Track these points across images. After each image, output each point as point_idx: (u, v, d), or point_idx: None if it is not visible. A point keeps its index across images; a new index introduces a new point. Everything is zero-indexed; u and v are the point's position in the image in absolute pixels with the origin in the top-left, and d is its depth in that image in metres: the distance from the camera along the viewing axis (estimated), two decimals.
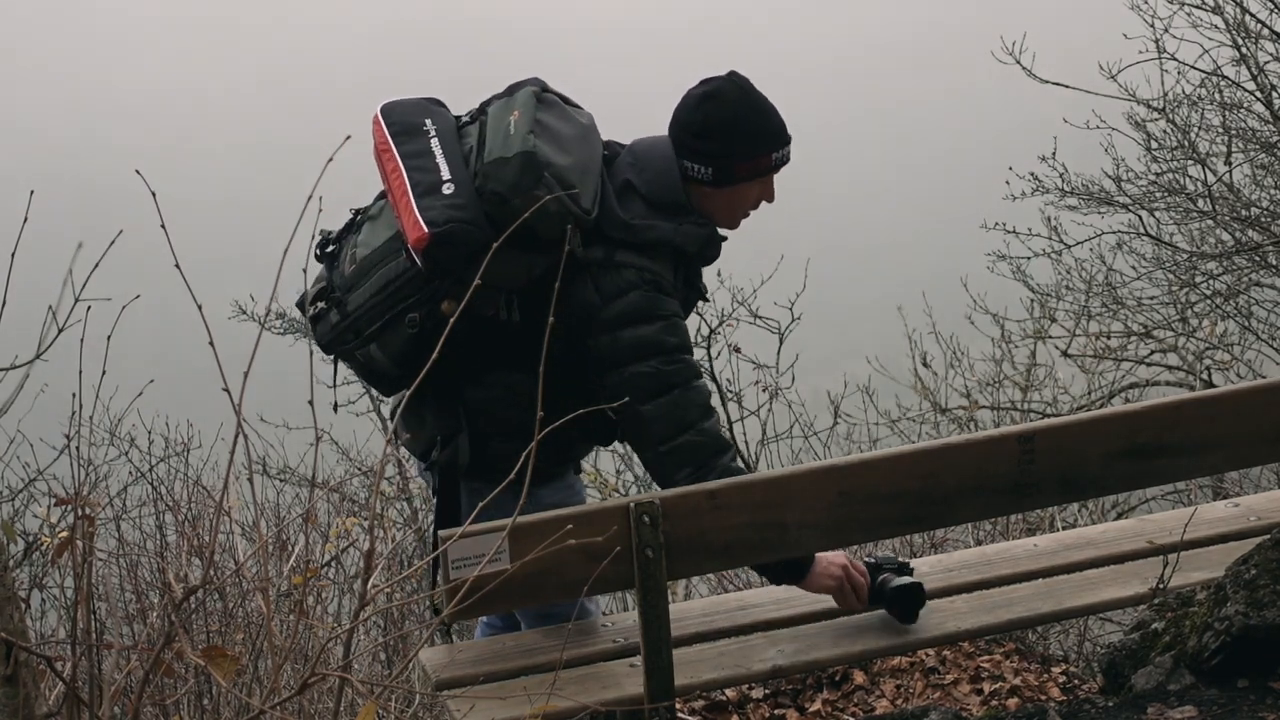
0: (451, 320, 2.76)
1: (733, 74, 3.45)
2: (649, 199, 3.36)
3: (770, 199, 3.46)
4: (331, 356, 3.51)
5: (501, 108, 3.33)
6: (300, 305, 3.47)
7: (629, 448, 7.85)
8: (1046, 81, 8.32)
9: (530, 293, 3.28)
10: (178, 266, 2.58)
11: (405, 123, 3.34)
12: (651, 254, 3.32)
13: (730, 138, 3.37)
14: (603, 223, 3.31)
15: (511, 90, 3.39)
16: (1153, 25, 8.05)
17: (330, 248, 3.47)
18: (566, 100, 3.43)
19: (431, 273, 3.25)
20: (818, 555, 3.35)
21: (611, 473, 7.62)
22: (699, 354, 7.82)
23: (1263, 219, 8.02)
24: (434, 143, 3.30)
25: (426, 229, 3.17)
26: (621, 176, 3.38)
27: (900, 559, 3.50)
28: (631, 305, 3.27)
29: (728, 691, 4.13)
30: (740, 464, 3.43)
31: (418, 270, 3.28)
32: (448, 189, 3.22)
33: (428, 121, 3.33)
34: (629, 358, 3.27)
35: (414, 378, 2.98)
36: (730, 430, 7.59)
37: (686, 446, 3.28)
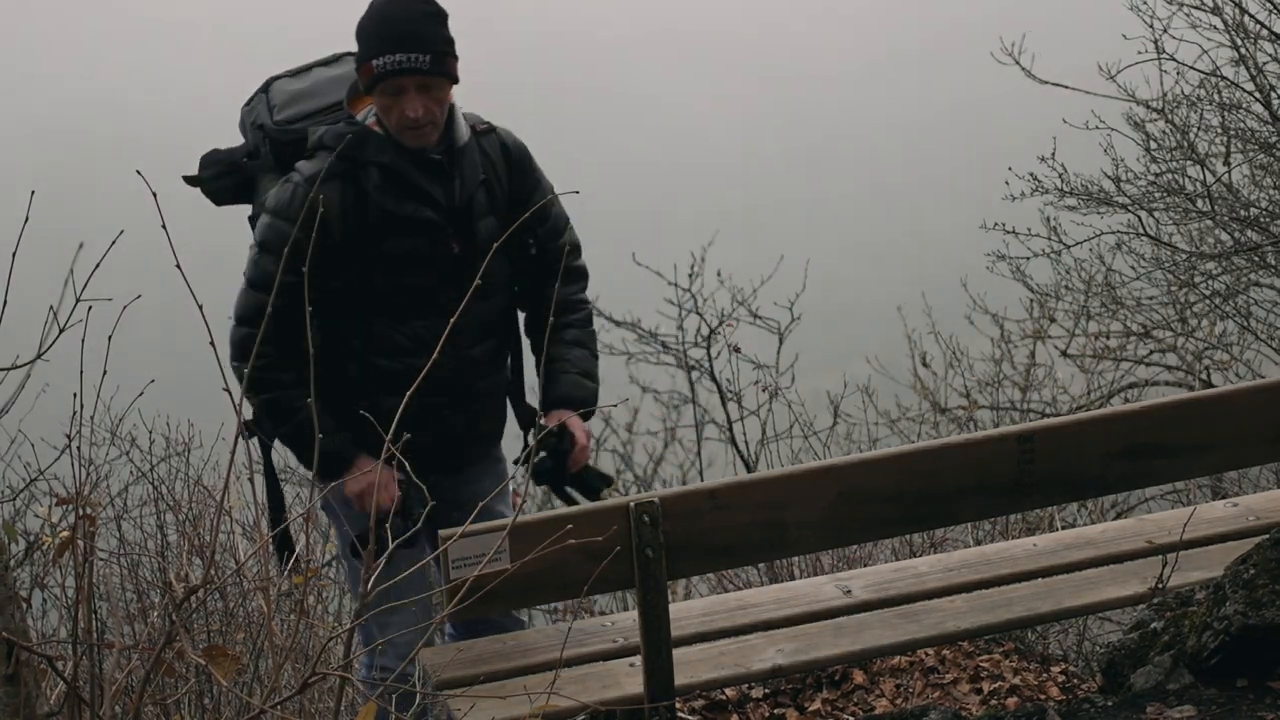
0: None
1: None
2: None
3: (408, 111, 3.43)
4: None
5: None
6: None
7: (628, 448, 7.88)
8: (1046, 82, 8.32)
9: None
10: (179, 266, 2.58)
11: None
12: (294, 154, 3.56)
13: (359, 44, 3.52)
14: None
15: None
16: (1152, 26, 8.02)
17: None
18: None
19: (202, 189, 3.71)
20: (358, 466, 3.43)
21: (611, 473, 7.60)
22: (699, 354, 7.83)
23: (1261, 219, 8.01)
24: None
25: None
26: None
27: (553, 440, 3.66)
28: (265, 198, 3.56)
29: (728, 691, 4.13)
30: (274, 375, 3.45)
31: None
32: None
33: None
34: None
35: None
36: (730, 430, 7.58)
37: (229, 335, 3.57)
